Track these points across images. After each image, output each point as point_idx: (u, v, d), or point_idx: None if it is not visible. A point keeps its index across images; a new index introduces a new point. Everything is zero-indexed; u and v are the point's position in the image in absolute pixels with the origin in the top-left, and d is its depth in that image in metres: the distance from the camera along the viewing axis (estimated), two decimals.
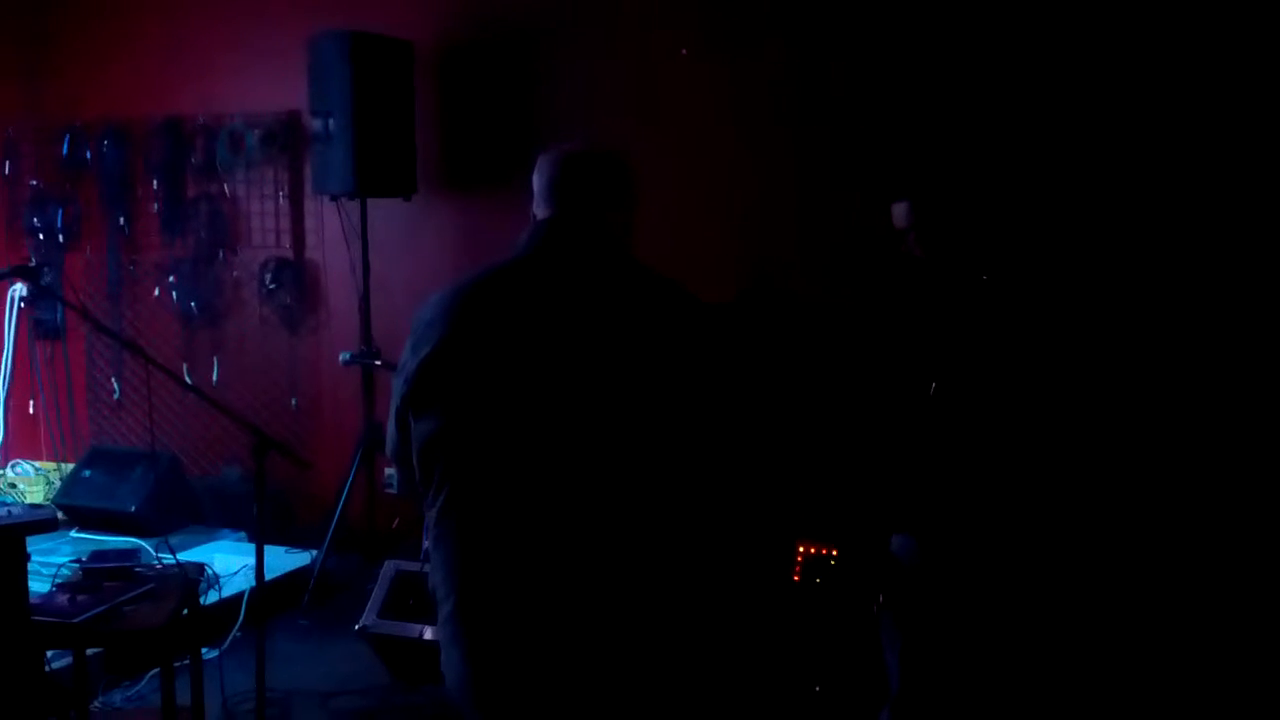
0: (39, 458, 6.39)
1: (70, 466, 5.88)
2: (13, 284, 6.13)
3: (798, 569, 4.02)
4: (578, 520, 2.15)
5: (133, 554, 3.88)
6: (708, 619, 2.31)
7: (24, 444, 6.47)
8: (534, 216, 2.37)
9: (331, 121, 5.24)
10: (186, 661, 3.72)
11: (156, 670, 3.95)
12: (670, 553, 2.23)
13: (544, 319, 2.19)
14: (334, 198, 5.51)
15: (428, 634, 4.16)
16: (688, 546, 2.27)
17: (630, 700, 2.20)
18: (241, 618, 4.58)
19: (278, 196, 6.05)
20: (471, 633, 2.19)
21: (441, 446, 2.21)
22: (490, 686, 2.20)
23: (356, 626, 4.31)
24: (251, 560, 3.65)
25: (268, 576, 3.70)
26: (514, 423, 2.16)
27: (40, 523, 3.30)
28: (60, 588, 3.49)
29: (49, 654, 3.64)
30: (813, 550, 4.01)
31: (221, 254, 6.15)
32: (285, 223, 6.05)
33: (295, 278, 6.04)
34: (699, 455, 2.25)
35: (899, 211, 3.33)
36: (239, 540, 5.54)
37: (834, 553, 3.99)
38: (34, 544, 3.31)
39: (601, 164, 2.38)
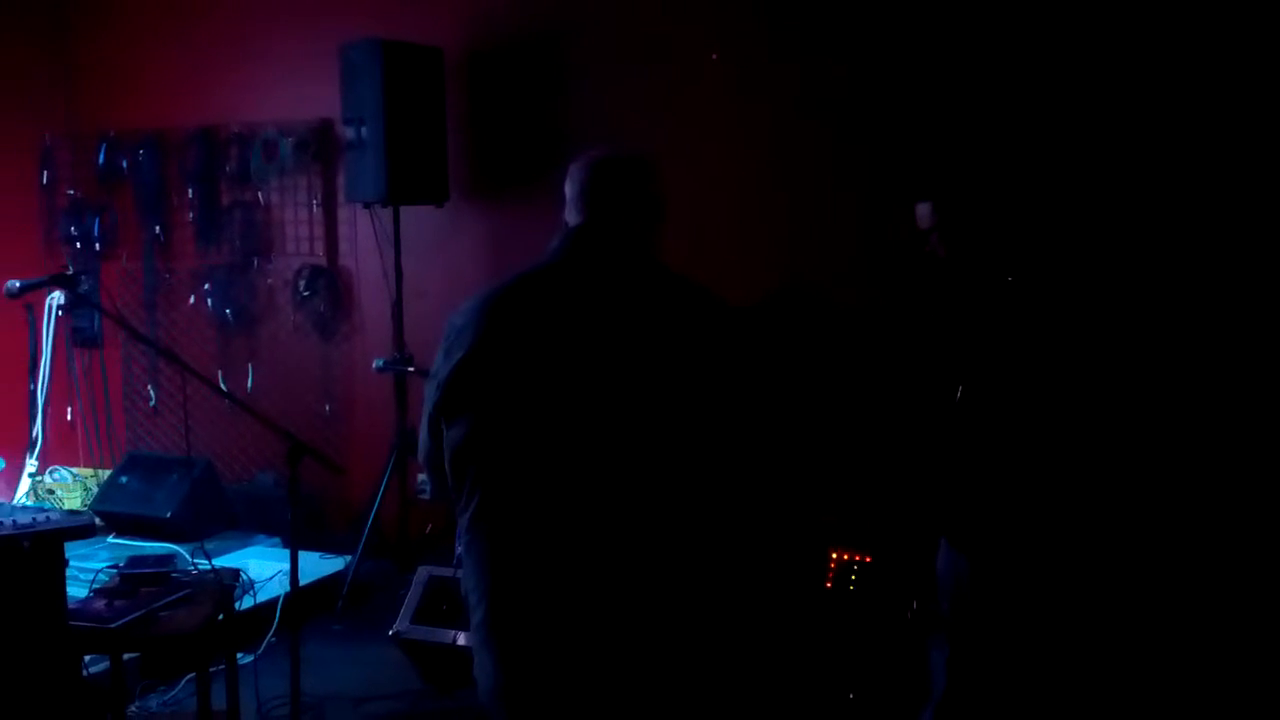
0: (76, 464, 6.46)
1: (107, 473, 5.93)
2: (51, 292, 6.20)
3: (830, 575, 4.01)
4: (609, 527, 2.15)
5: (169, 559, 3.91)
6: (739, 625, 2.30)
7: (62, 450, 6.53)
8: (565, 223, 2.38)
9: (364, 129, 5.27)
10: (222, 666, 3.74)
11: (192, 675, 3.98)
12: (700, 559, 2.22)
13: (574, 326, 2.19)
14: (367, 205, 5.54)
15: (461, 639, 4.16)
16: (717, 552, 2.27)
17: (661, 706, 2.20)
18: (276, 623, 4.59)
19: (311, 204, 6.09)
20: (503, 639, 2.20)
21: (473, 452, 2.22)
22: (521, 692, 2.20)
23: (390, 632, 4.32)
24: (286, 566, 3.67)
25: (302, 582, 3.70)
26: (545, 429, 2.17)
27: (78, 528, 3.32)
28: (98, 593, 3.52)
29: (86, 658, 3.67)
30: (845, 556, 3.99)
31: (256, 261, 6.20)
32: (319, 230, 6.09)
33: (329, 285, 6.07)
34: (728, 461, 2.24)
35: (922, 212, 3.31)
36: (273, 546, 5.56)
37: (867, 559, 3.97)
38: (72, 550, 3.34)
39: (631, 170, 2.39)
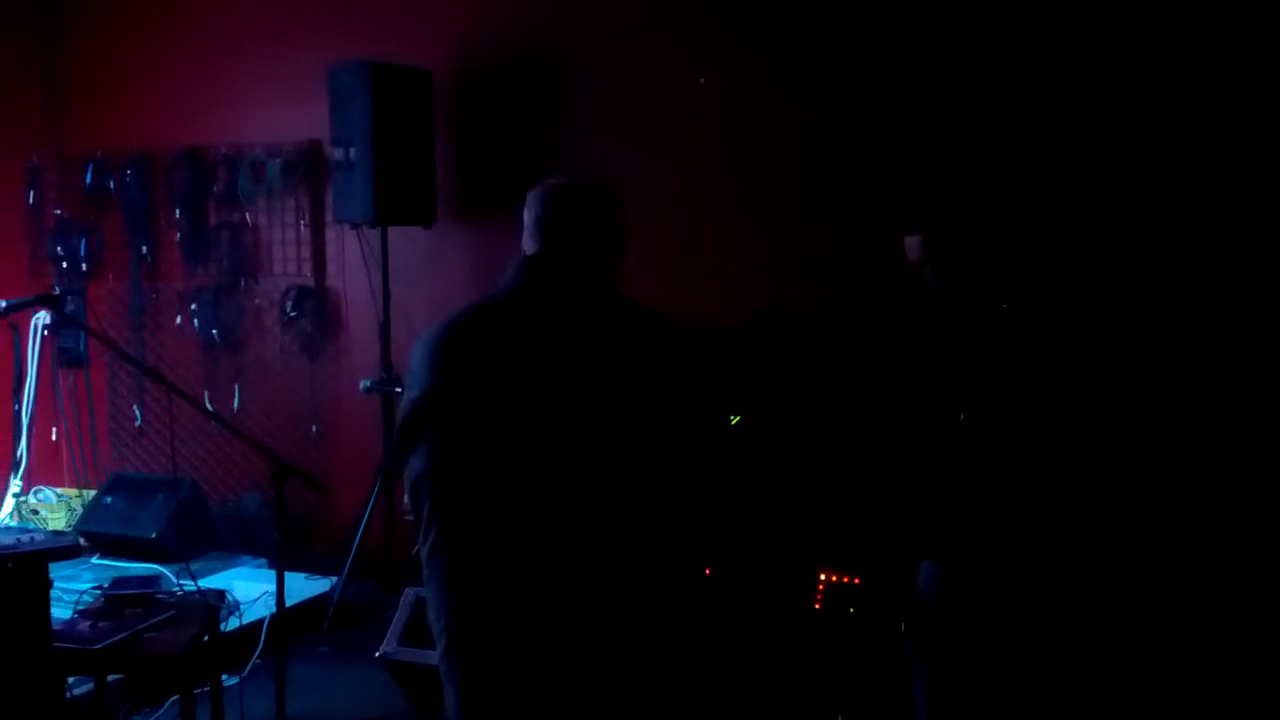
0: (61, 484, 6.43)
1: (92, 493, 5.90)
2: (36, 312, 6.18)
3: (819, 597, 4.00)
4: (567, 556, 2.12)
5: (154, 581, 3.89)
6: (711, 650, 2.27)
7: (46, 471, 6.50)
8: (523, 251, 2.35)
9: (352, 150, 5.28)
10: (207, 688, 3.73)
11: (177, 697, 3.96)
12: (665, 587, 2.19)
13: (527, 358, 2.17)
14: (355, 226, 5.54)
15: None
16: (684, 579, 2.25)
17: None
18: (262, 644, 4.57)
19: (299, 225, 6.09)
20: (461, 670, 2.18)
21: (429, 484, 2.21)
22: None
23: (376, 654, 4.30)
24: (271, 587, 3.66)
25: (288, 603, 3.70)
26: (501, 461, 2.15)
27: (62, 549, 3.31)
28: (82, 614, 3.50)
29: (70, 680, 3.65)
30: (834, 578, 3.99)
31: (243, 282, 6.20)
32: (306, 251, 6.09)
33: (316, 305, 6.07)
34: (689, 486, 2.22)
35: (912, 245, 3.33)
36: (259, 567, 5.55)
37: (856, 581, 3.97)
38: (56, 571, 3.33)
39: (588, 199, 2.35)
